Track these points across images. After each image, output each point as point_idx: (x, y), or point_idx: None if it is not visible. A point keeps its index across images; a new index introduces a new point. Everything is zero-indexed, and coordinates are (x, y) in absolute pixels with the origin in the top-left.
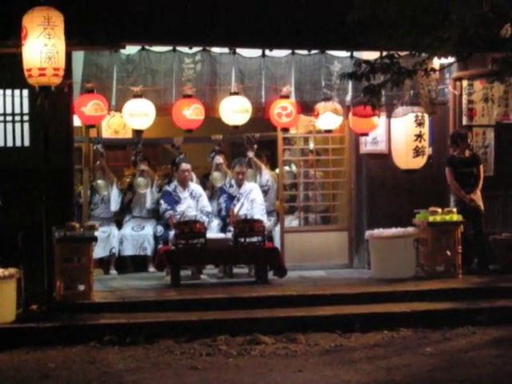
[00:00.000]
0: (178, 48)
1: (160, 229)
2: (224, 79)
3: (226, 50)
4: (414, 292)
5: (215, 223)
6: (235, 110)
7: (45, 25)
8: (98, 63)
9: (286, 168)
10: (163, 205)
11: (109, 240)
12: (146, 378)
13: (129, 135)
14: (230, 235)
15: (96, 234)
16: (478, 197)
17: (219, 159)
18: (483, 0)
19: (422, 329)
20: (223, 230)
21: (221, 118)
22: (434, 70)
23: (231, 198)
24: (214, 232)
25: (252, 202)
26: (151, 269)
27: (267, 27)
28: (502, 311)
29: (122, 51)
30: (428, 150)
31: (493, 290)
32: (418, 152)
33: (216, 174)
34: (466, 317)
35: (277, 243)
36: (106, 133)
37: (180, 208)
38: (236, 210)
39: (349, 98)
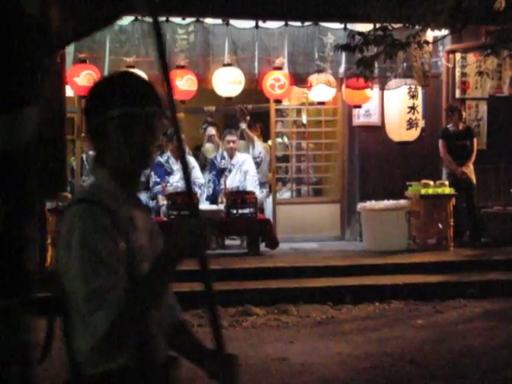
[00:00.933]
0: (171, 19)
1: (152, 201)
2: (217, 50)
3: (219, 21)
4: (406, 264)
5: (206, 197)
6: (228, 82)
7: None
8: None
9: (279, 140)
10: (153, 177)
11: None
12: None
13: None
14: (222, 207)
15: None
16: (470, 170)
17: (211, 130)
18: None
19: (414, 301)
20: (213, 202)
21: (214, 90)
22: (427, 42)
23: (220, 174)
24: (205, 204)
25: (245, 173)
26: None
27: None
28: (493, 284)
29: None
30: (421, 123)
31: (484, 263)
32: (411, 124)
33: (208, 146)
34: (458, 289)
35: (269, 215)
36: None
37: (172, 179)
38: (228, 181)
39: (342, 69)
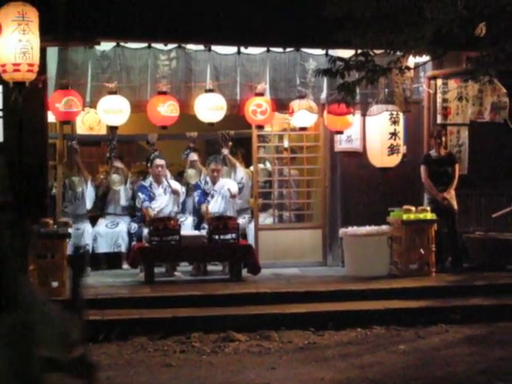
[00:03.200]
0: (153, 45)
1: (134, 226)
2: (199, 76)
3: (201, 47)
4: (388, 290)
5: (190, 220)
6: (210, 107)
7: (19, 20)
8: (73, 59)
9: (261, 165)
10: (141, 196)
11: (82, 237)
12: (119, 374)
13: (103, 132)
14: (204, 232)
15: (70, 230)
16: (451, 196)
17: (194, 156)
18: None
19: (396, 327)
20: (197, 227)
21: (196, 115)
22: (408, 68)
23: (205, 194)
24: (187, 229)
25: (227, 199)
26: (125, 266)
27: (242, 24)
28: (476, 309)
29: (97, 47)
30: (403, 149)
31: (466, 289)
32: (392, 150)
33: (190, 171)
34: (440, 315)
35: (251, 241)
36: (81, 129)
37: (154, 204)
38: (210, 206)
39: (324, 95)
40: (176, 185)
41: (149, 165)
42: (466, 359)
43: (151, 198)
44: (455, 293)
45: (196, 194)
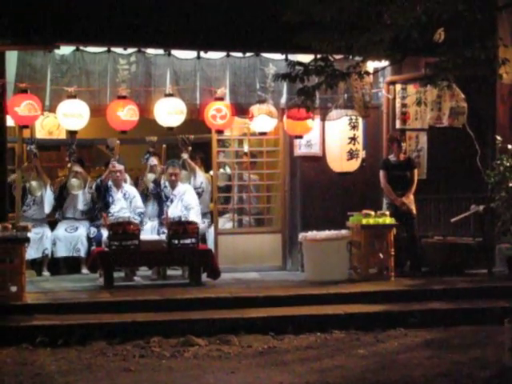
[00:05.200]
0: (113, 49)
1: (93, 230)
2: (159, 81)
3: (160, 51)
4: (347, 294)
5: (149, 225)
6: (170, 112)
7: None
8: (32, 63)
9: (221, 170)
10: (99, 199)
11: (41, 241)
12: (78, 379)
13: (63, 136)
14: (163, 237)
15: (29, 235)
16: (410, 200)
17: (153, 161)
18: (417, 3)
19: (355, 331)
20: (158, 230)
21: (155, 120)
22: (367, 73)
23: (165, 198)
24: (147, 233)
25: (186, 204)
26: (84, 270)
27: (202, 29)
28: (434, 313)
29: (57, 51)
30: (362, 153)
31: (425, 293)
32: (352, 155)
33: (150, 176)
34: (399, 319)
35: (210, 245)
36: (40, 133)
37: (113, 209)
38: (169, 211)
39: (283, 100)
40: (132, 190)
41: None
42: (424, 363)
43: (108, 203)
44: (414, 297)
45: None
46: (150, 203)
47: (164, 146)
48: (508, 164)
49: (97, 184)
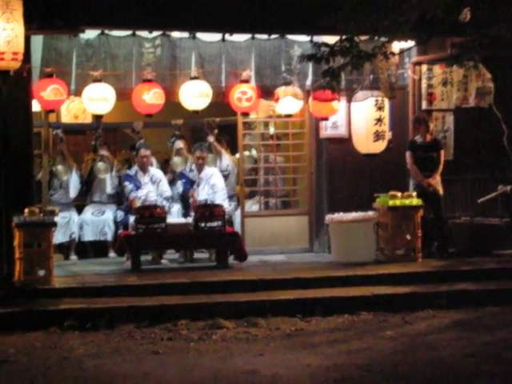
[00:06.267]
0: (138, 32)
1: (120, 214)
2: (184, 64)
3: (185, 34)
4: (374, 276)
5: (176, 208)
6: (195, 95)
7: (3, 9)
8: (57, 47)
9: (247, 153)
10: (129, 185)
11: (69, 225)
12: (106, 362)
13: (88, 120)
14: (190, 220)
15: (56, 219)
16: (436, 181)
17: (179, 144)
18: None
19: (383, 312)
20: (185, 215)
21: (181, 103)
22: (393, 53)
23: (191, 182)
24: (174, 217)
25: (213, 186)
26: (111, 254)
27: (227, 11)
28: (461, 294)
29: (82, 36)
30: (388, 135)
31: (452, 274)
32: (378, 136)
33: (176, 159)
34: (426, 300)
35: (237, 228)
36: (66, 118)
37: (140, 193)
38: (196, 194)
39: (309, 82)
40: (159, 174)
41: (134, 153)
42: (452, 344)
43: (137, 187)
44: (441, 278)
45: (180, 184)
46: (176, 186)
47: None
48: None
49: (125, 174)
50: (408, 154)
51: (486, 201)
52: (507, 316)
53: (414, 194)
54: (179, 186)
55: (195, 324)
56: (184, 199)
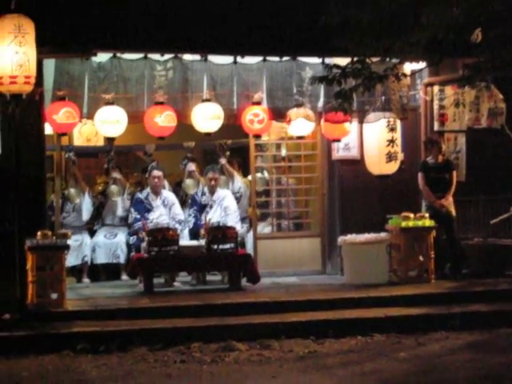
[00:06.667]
0: (150, 55)
1: (133, 236)
2: (196, 86)
3: (197, 57)
4: (388, 297)
5: (187, 230)
6: (207, 117)
7: (16, 32)
8: (70, 71)
9: (259, 175)
10: (133, 213)
11: (81, 248)
12: None
13: (101, 143)
14: (203, 242)
15: (68, 242)
16: (449, 202)
17: (191, 166)
18: (454, 4)
19: (396, 334)
20: (195, 237)
21: (193, 125)
22: (404, 75)
23: (201, 209)
24: (186, 240)
25: (225, 209)
26: (124, 277)
27: (238, 34)
28: (475, 316)
29: (94, 59)
30: (401, 156)
31: (465, 295)
32: (390, 157)
33: (188, 182)
34: (439, 322)
35: (250, 250)
36: (78, 141)
37: (152, 216)
38: (208, 217)
39: (321, 104)
40: (171, 197)
41: (146, 176)
42: (466, 365)
43: (147, 210)
44: (454, 299)
45: (192, 211)
46: (187, 209)
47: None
48: None
49: (137, 197)
50: (420, 175)
51: (498, 222)
52: None
53: (427, 215)
54: (191, 213)
55: (208, 347)
56: (194, 234)
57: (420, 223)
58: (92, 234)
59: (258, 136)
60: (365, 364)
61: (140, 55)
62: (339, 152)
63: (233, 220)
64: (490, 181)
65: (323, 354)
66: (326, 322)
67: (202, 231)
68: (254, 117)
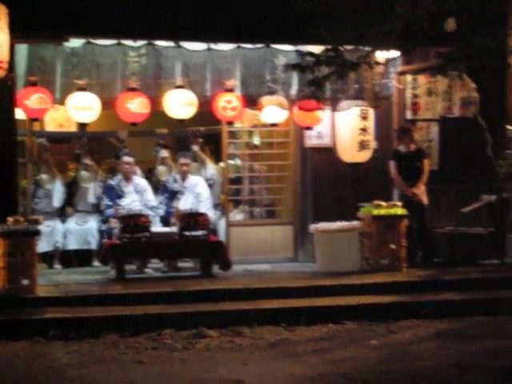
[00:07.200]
0: (123, 41)
1: (105, 223)
2: (169, 72)
3: (170, 43)
4: (359, 285)
5: (159, 218)
6: (180, 104)
7: None
8: (42, 56)
9: (231, 162)
10: (105, 200)
11: (53, 234)
12: (90, 372)
13: (73, 129)
14: (175, 229)
15: (40, 228)
16: (421, 191)
17: (164, 153)
18: None
19: (367, 322)
20: (167, 223)
21: (166, 112)
22: (377, 63)
23: (173, 196)
24: (159, 226)
25: (197, 195)
26: (96, 263)
27: (212, 21)
28: (446, 304)
29: (67, 44)
30: (373, 144)
31: (437, 283)
32: (362, 145)
33: (161, 168)
34: (411, 310)
35: (222, 237)
36: (50, 126)
37: (124, 202)
38: (180, 204)
39: (294, 91)
40: (143, 183)
41: (118, 162)
42: (437, 353)
43: (119, 196)
44: (426, 287)
45: (163, 199)
46: (159, 196)
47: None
48: None
49: (108, 184)
50: (392, 164)
51: (470, 210)
52: (492, 325)
53: (399, 203)
54: (162, 201)
55: (179, 333)
56: (165, 221)
57: (392, 211)
58: (64, 220)
59: (230, 123)
60: (336, 351)
61: (113, 41)
62: (312, 140)
63: (205, 207)
64: (463, 170)
65: (294, 342)
66: (298, 310)
67: (173, 218)
68: (227, 103)
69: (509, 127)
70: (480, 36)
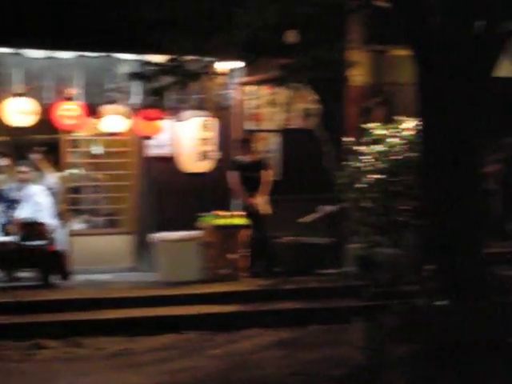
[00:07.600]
0: None
1: None
2: (8, 80)
3: (9, 50)
4: (200, 295)
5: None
6: (19, 112)
7: None
8: None
9: (71, 171)
10: None
11: None
12: None
13: None
14: (14, 238)
15: None
16: (261, 201)
17: (2, 161)
18: (267, 5)
19: (209, 331)
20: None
21: (4, 120)
22: (217, 74)
23: (11, 205)
24: None
25: (37, 204)
26: None
27: (53, 28)
28: (286, 313)
29: None
30: (217, 154)
31: (277, 293)
32: (203, 156)
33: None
34: (252, 319)
35: (63, 246)
36: None
37: None
38: (19, 213)
39: (134, 100)
40: None
41: None
42: (277, 362)
43: None
44: (267, 297)
45: (1, 208)
46: None
47: None
48: (356, 165)
49: None
50: (230, 174)
51: (309, 221)
52: (330, 334)
53: (238, 213)
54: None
55: (19, 345)
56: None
57: (232, 221)
58: None
59: (70, 131)
60: (176, 361)
61: None
62: (153, 149)
63: (45, 216)
64: (305, 180)
65: (135, 352)
66: (139, 320)
67: (11, 227)
68: (67, 112)
69: (345, 139)
70: (320, 48)
